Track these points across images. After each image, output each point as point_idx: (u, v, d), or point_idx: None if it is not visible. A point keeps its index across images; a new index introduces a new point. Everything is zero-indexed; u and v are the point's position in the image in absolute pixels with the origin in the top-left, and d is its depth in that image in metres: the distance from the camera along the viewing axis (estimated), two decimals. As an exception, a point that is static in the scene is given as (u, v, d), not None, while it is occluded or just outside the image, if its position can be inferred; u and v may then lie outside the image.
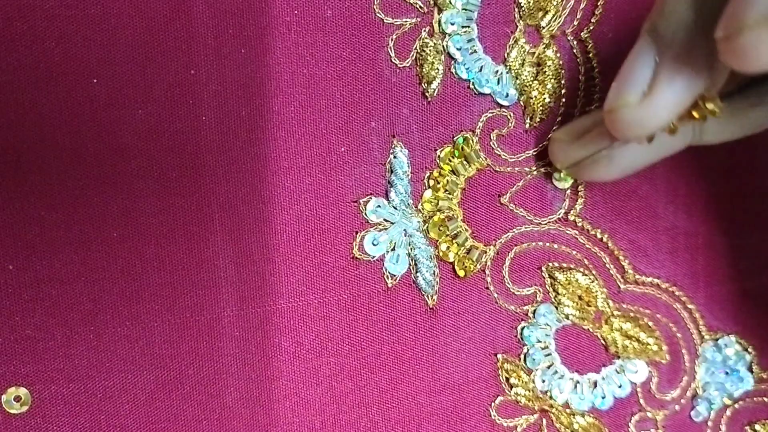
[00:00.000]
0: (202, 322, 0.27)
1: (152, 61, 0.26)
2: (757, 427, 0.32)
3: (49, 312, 0.26)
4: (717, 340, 0.32)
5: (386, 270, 0.29)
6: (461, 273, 0.29)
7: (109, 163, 0.26)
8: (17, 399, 0.26)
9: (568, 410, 0.31)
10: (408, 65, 0.28)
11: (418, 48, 0.28)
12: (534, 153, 0.29)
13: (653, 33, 0.23)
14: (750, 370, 0.32)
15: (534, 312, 0.30)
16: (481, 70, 0.28)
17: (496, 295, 0.30)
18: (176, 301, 0.27)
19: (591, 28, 0.29)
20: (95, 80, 0.25)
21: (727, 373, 0.32)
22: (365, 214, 0.28)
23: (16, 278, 0.25)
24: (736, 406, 0.32)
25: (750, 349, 0.32)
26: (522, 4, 0.28)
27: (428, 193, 0.29)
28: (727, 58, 0.20)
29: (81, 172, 0.26)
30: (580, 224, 0.30)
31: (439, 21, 0.28)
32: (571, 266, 0.30)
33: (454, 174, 0.29)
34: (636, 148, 0.26)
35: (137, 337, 0.27)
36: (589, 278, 0.30)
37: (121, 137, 0.26)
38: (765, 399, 0.32)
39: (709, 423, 0.32)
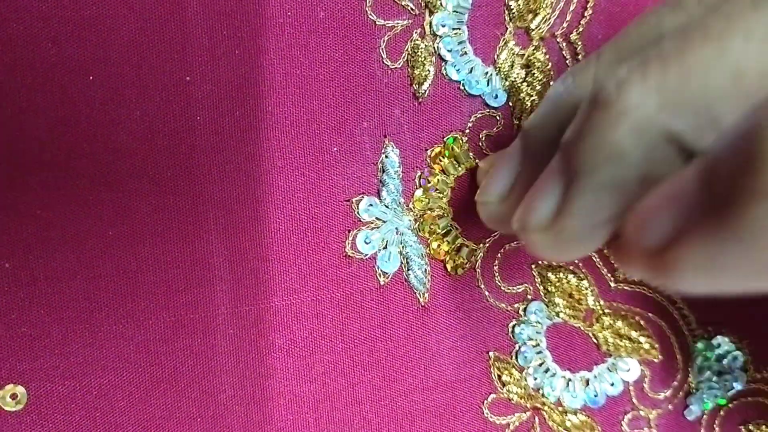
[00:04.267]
0: (196, 320, 0.27)
1: (147, 61, 0.26)
2: (750, 426, 0.32)
3: (45, 310, 0.26)
4: (710, 339, 0.32)
5: (378, 268, 0.29)
6: (452, 271, 0.29)
7: (105, 162, 0.26)
8: (13, 396, 0.26)
9: (560, 408, 0.31)
10: (399, 66, 0.28)
11: (409, 49, 0.28)
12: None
13: (524, 138, 0.23)
14: (744, 369, 0.32)
15: (525, 310, 0.30)
16: (471, 72, 0.29)
17: (486, 293, 0.30)
18: (171, 299, 0.27)
19: (580, 30, 0.29)
20: (90, 78, 0.26)
21: (720, 373, 0.32)
22: (358, 212, 0.28)
23: (12, 276, 0.26)
24: (730, 405, 0.32)
25: (744, 349, 0.32)
26: (512, 7, 0.29)
27: (419, 192, 0.29)
28: (524, 245, 0.21)
29: (77, 172, 0.26)
30: None
31: (431, 23, 0.28)
32: (561, 264, 0.30)
33: (445, 174, 0.29)
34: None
35: (132, 335, 0.27)
36: (579, 277, 0.30)
37: (117, 137, 0.26)
38: (759, 399, 0.32)
39: (703, 422, 0.32)
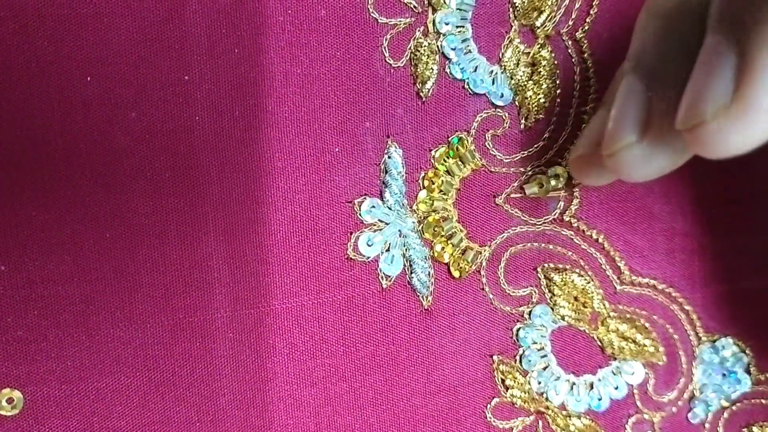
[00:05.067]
0: (195, 324, 0.27)
1: (145, 60, 0.25)
2: (754, 429, 0.32)
3: (42, 313, 0.26)
4: (714, 341, 0.31)
5: (381, 271, 0.28)
6: (456, 274, 0.29)
7: (102, 163, 0.25)
8: (9, 401, 0.26)
9: (564, 412, 0.30)
10: (402, 65, 0.28)
11: (412, 48, 0.28)
12: (529, 153, 0.29)
13: (637, 69, 0.22)
14: (747, 371, 0.32)
15: (530, 313, 0.30)
16: (475, 70, 0.28)
17: (491, 296, 0.30)
18: (169, 302, 0.27)
19: (586, 28, 0.29)
20: (88, 78, 0.25)
21: (724, 375, 0.32)
22: (360, 214, 0.28)
23: (8, 279, 0.25)
24: (734, 408, 0.32)
25: (747, 351, 0.32)
26: (517, 4, 0.28)
27: (423, 194, 0.29)
28: (693, 148, 0.20)
29: (73, 173, 0.25)
30: (575, 225, 0.30)
31: (434, 21, 0.28)
32: (567, 267, 0.30)
33: (449, 174, 0.29)
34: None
35: (130, 339, 0.26)
36: (585, 279, 0.30)
37: (114, 137, 0.26)
38: (763, 401, 0.32)
39: (707, 425, 0.32)
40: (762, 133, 0.19)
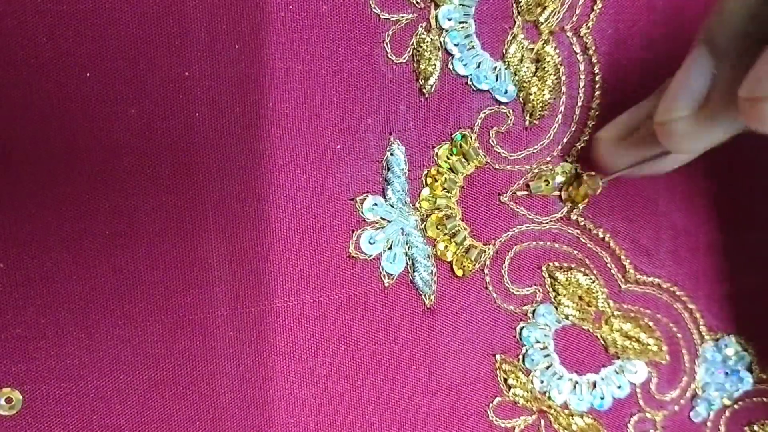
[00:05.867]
0: (195, 322, 0.27)
1: (145, 56, 0.25)
2: (756, 427, 0.32)
3: (41, 311, 0.25)
4: (717, 340, 0.31)
5: (383, 269, 0.28)
6: (459, 272, 0.29)
7: (101, 160, 0.25)
8: (8, 401, 0.25)
9: (566, 411, 0.30)
10: (405, 61, 0.28)
11: (414, 44, 0.27)
12: (534, 151, 0.29)
13: (710, 43, 0.22)
14: (750, 370, 0.32)
15: (533, 312, 0.30)
16: (479, 66, 0.28)
17: (494, 295, 0.29)
18: (169, 300, 0.26)
19: (590, 24, 0.29)
20: (88, 74, 0.25)
21: (726, 374, 0.31)
22: (362, 212, 0.28)
23: (7, 277, 0.25)
24: (736, 406, 0.32)
25: (750, 350, 0.32)
26: (520, 0, 0.28)
27: (426, 191, 0.28)
28: (747, 118, 0.20)
29: (72, 170, 0.25)
30: (582, 223, 0.30)
31: (436, 16, 0.27)
32: (572, 266, 0.30)
33: (453, 172, 0.28)
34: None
35: (129, 337, 0.26)
36: (590, 278, 0.30)
37: (114, 134, 0.25)
38: (765, 399, 0.32)
39: (709, 424, 0.32)
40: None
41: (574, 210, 0.30)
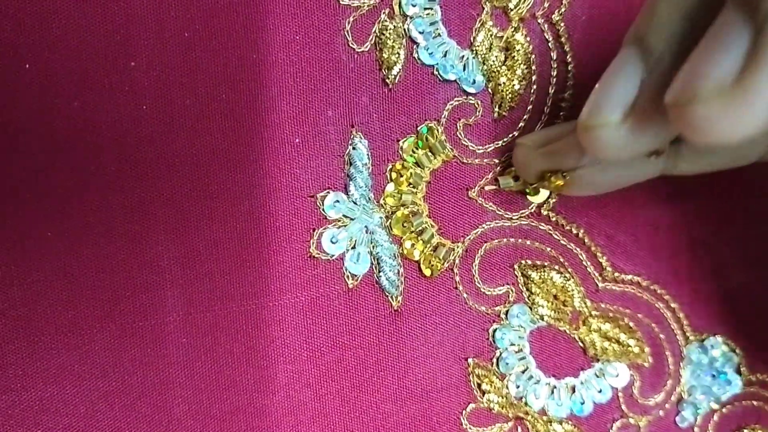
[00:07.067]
0: (145, 328, 0.25)
1: (88, 45, 0.24)
2: (745, 431, 0.31)
3: (-21, 319, 0.24)
4: (703, 341, 0.30)
5: (346, 270, 0.27)
6: (427, 272, 0.28)
7: (42, 158, 0.24)
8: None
9: (545, 417, 0.29)
10: (367, 50, 0.27)
11: (377, 31, 0.26)
12: (503, 144, 0.28)
13: (639, 44, 0.21)
14: (738, 372, 0.30)
15: (506, 313, 0.29)
16: (445, 55, 0.27)
17: (465, 296, 0.28)
18: (117, 306, 0.25)
19: (563, 10, 0.28)
20: (27, 65, 0.23)
21: (714, 376, 0.30)
22: (323, 209, 0.27)
23: (-60, 283, 0.24)
24: (724, 410, 0.31)
25: (737, 350, 0.31)
26: (489, -15, 0.27)
27: (391, 187, 0.27)
28: (678, 126, 0.18)
29: (11, 168, 0.24)
30: (554, 219, 0.28)
31: (400, 2, 0.27)
32: (546, 264, 0.29)
33: (419, 166, 0.27)
34: (606, 170, 0.25)
35: (75, 345, 0.25)
36: (565, 276, 0.29)
37: (56, 129, 0.24)
38: (754, 402, 0.31)
39: (696, 429, 0.31)
40: (755, 124, 0.17)
41: (545, 205, 0.28)
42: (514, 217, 0.28)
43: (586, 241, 0.29)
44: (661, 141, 0.21)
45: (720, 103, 0.17)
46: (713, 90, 0.17)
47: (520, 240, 0.28)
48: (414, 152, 0.27)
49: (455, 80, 0.27)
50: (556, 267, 0.29)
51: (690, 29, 0.20)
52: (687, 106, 0.18)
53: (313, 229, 0.27)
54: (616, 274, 0.29)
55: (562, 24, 0.28)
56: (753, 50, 0.17)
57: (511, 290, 0.29)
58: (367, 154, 0.27)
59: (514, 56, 0.27)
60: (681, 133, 0.19)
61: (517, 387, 0.29)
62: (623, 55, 0.21)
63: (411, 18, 0.27)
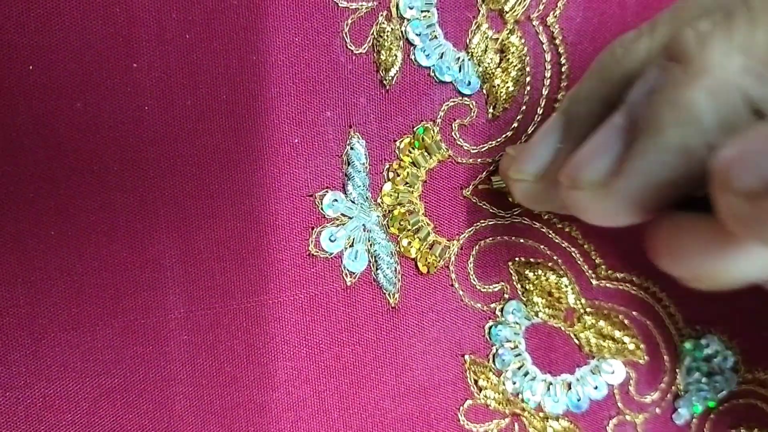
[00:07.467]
0: (147, 326, 0.26)
1: (90, 47, 0.24)
2: (742, 430, 0.31)
3: (-17, 317, 0.24)
4: (698, 338, 0.30)
5: (344, 267, 0.27)
6: (424, 269, 0.28)
7: (45, 157, 0.24)
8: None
9: (541, 414, 0.29)
10: (365, 52, 0.27)
11: (375, 33, 0.27)
12: (497, 144, 0.28)
13: (566, 115, 0.23)
14: (734, 369, 0.30)
15: (502, 310, 0.29)
16: (441, 57, 0.27)
17: (461, 293, 0.28)
18: (119, 304, 0.25)
19: (557, 13, 0.28)
20: (30, 67, 0.24)
21: (710, 374, 0.30)
22: (321, 208, 0.27)
23: (-54, 280, 0.24)
24: (721, 408, 0.31)
25: (734, 348, 0.31)
26: (484, -12, 0.27)
27: (388, 186, 0.27)
28: (566, 201, 0.21)
29: (15, 167, 0.24)
30: (545, 217, 0.29)
31: (397, 5, 0.27)
32: (540, 261, 0.29)
33: (415, 166, 0.28)
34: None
35: (78, 343, 0.25)
36: (559, 274, 0.29)
37: (59, 129, 0.24)
38: (751, 400, 0.31)
39: (693, 426, 0.31)
40: (617, 220, 0.20)
41: None
42: (507, 215, 0.29)
43: (579, 239, 0.29)
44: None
45: (593, 195, 0.20)
46: (590, 182, 0.20)
47: (514, 238, 0.29)
48: (410, 152, 0.28)
49: (451, 82, 0.27)
50: (550, 265, 0.29)
51: (606, 113, 0.21)
52: (569, 189, 0.20)
53: (312, 228, 0.27)
54: (610, 272, 0.29)
55: (556, 26, 0.28)
56: (624, 156, 0.19)
57: (506, 287, 0.29)
58: (365, 154, 0.27)
59: (509, 58, 0.28)
60: (567, 208, 0.21)
61: (514, 383, 0.29)
62: (552, 120, 0.23)
63: (408, 20, 0.27)
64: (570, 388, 0.29)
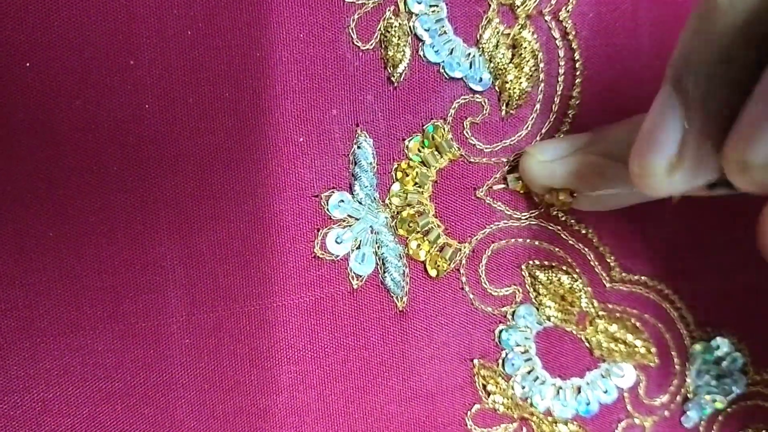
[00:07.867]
0: (148, 329, 0.25)
1: (90, 44, 0.24)
2: (750, 431, 0.30)
3: (-19, 320, 0.24)
4: (708, 340, 0.30)
5: (351, 270, 0.27)
6: (433, 273, 0.27)
7: (43, 157, 0.24)
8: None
9: (550, 418, 0.29)
10: (372, 48, 0.26)
11: (382, 29, 0.26)
12: (511, 142, 0.28)
13: (677, 86, 0.20)
14: (743, 371, 0.30)
15: (513, 314, 0.28)
16: (451, 53, 0.27)
17: (471, 296, 0.28)
18: (119, 307, 0.25)
19: (570, 7, 0.27)
20: (28, 64, 0.23)
21: (719, 376, 0.30)
22: (327, 209, 0.26)
23: (-59, 284, 0.23)
24: (729, 410, 0.30)
25: (743, 350, 0.30)
26: (495, -18, 0.27)
27: (396, 187, 0.27)
28: (737, 182, 0.19)
29: (13, 167, 0.23)
30: (563, 219, 0.28)
31: (405, 0, 0.26)
32: (553, 264, 0.28)
33: (425, 165, 0.27)
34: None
35: (77, 346, 0.25)
36: (572, 277, 0.28)
37: (57, 128, 0.24)
38: (760, 402, 0.30)
39: (701, 428, 0.30)
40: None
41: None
42: (523, 217, 0.28)
43: (594, 241, 0.28)
44: (713, 177, 0.21)
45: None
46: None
47: (528, 240, 0.28)
48: (420, 151, 0.27)
49: (461, 78, 0.27)
50: (564, 267, 0.28)
51: (727, 70, 0.19)
52: (751, 169, 0.18)
53: (318, 229, 0.26)
54: (624, 275, 0.29)
55: (569, 21, 0.27)
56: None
57: (518, 291, 0.28)
58: (373, 153, 0.26)
59: (522, 54, 0.27)
60: (740, 188, 0.20)
61: (523, 388, 0.29)
62: (662, 98, 0.21)
63: (416, 15, 0.26)
64: (580, 392, 0.29)
